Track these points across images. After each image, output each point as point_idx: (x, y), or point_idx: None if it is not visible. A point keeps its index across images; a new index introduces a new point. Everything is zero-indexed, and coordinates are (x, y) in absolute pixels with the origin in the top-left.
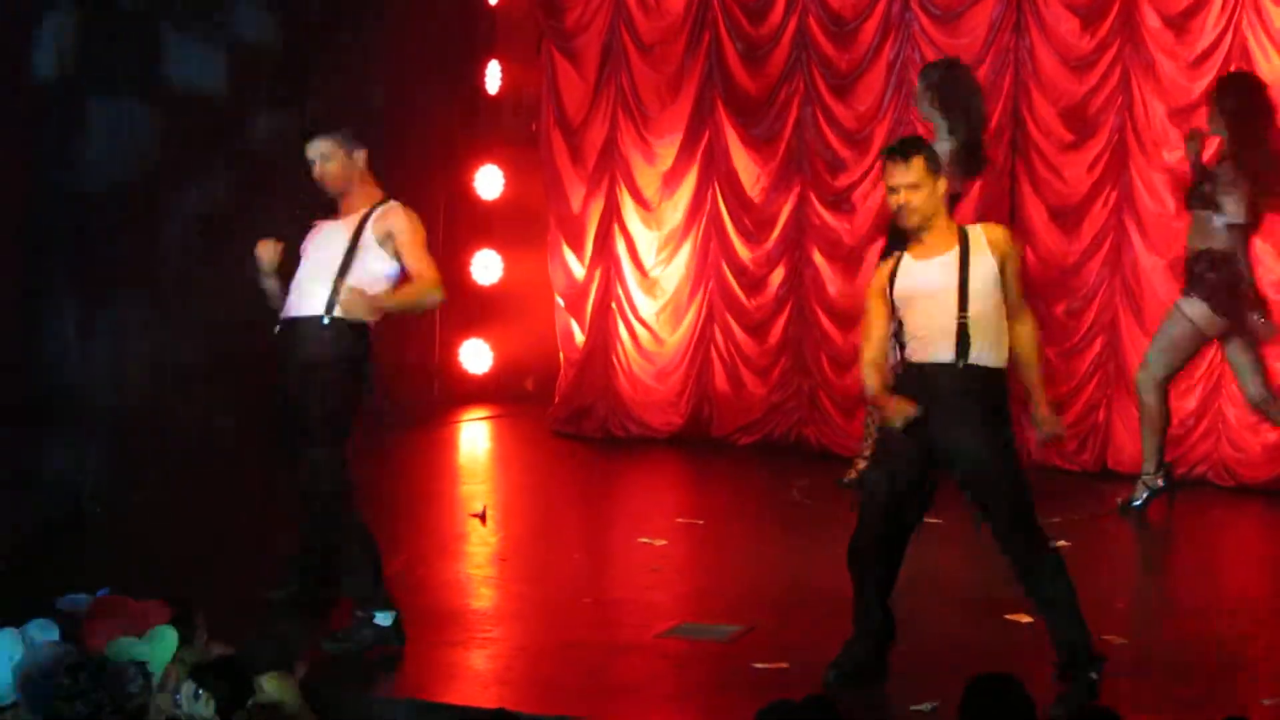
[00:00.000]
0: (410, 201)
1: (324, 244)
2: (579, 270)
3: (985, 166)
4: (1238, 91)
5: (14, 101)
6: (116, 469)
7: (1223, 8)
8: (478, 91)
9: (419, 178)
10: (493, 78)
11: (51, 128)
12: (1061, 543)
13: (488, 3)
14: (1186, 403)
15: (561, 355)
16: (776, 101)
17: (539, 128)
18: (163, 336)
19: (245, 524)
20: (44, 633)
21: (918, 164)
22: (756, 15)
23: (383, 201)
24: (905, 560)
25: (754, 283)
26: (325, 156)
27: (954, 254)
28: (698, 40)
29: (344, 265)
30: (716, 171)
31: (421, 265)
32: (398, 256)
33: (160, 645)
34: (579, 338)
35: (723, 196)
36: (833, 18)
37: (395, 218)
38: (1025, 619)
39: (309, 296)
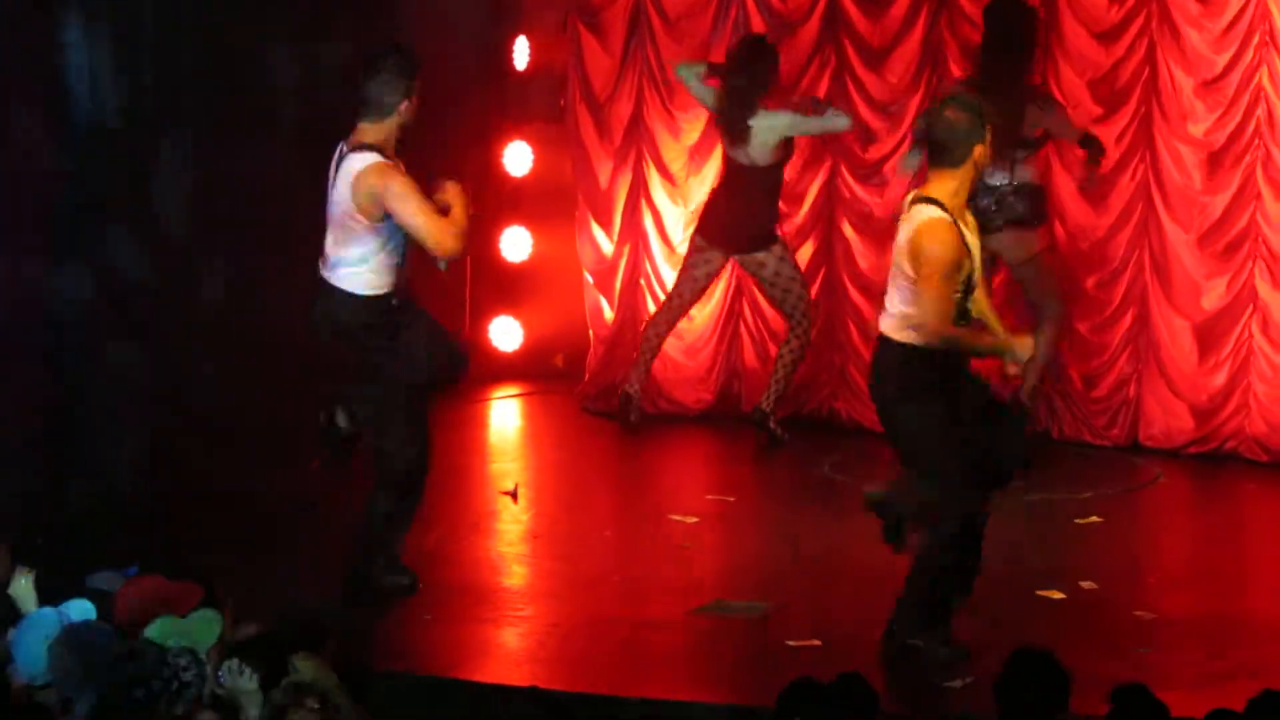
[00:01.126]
0: (438, 179)
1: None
2: (607, 246)
3: None
4: None
5: None
6: (150, 448)
7: None
8: (506, 68)
9: (448, 154)
10: (521, 53)
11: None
12: (1094, 518)
13: None
14: (1216, 378)
15: (591, 332)
16: (807, 74)
17: (566, 103)
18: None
19: (272, 502)
20: (82, 613)
21: None
22: None
23: None
24: None
25: None
26: (414, 95)
27: None
28: (725, 13)
29: None
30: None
31: None
32: None
33: (203, 627)
34: (608, 314)
35: None
36: None
37: None
38: (1057, 594)
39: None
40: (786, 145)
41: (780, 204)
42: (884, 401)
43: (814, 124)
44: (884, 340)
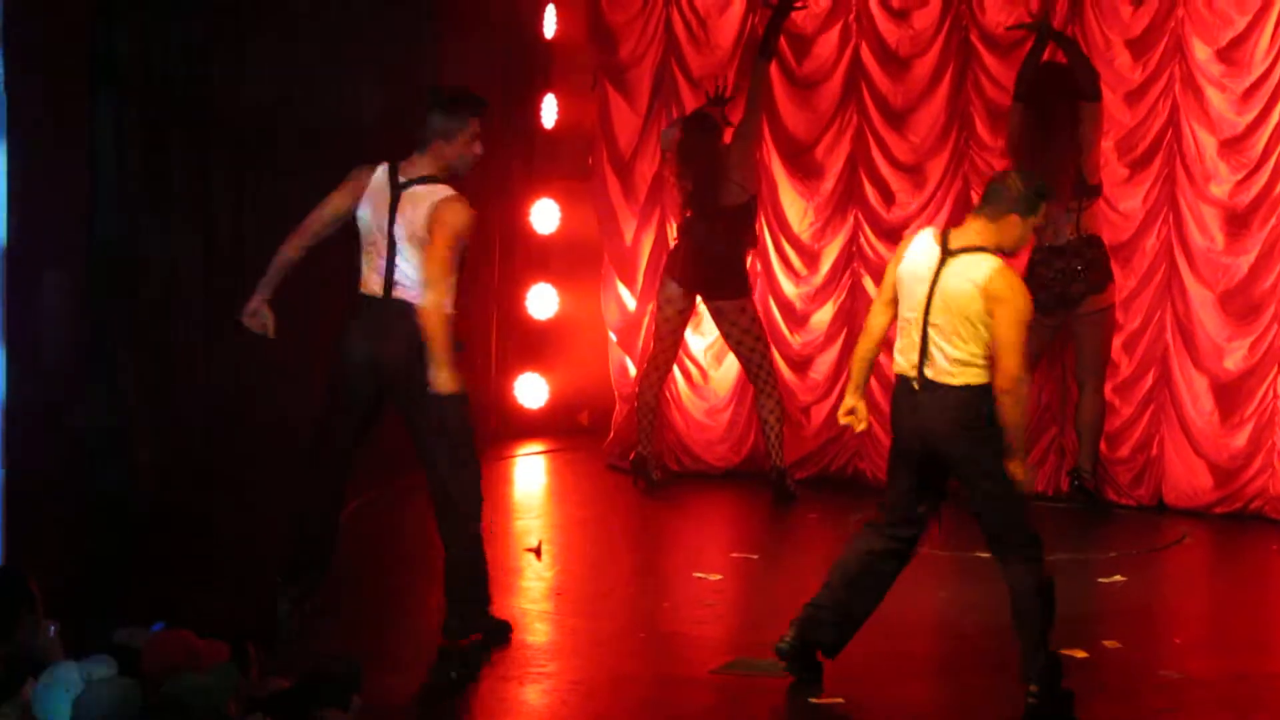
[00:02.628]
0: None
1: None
2: (631, 305)
3: None
4: None
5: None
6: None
7: (1272, 39)
8: (534, 125)
9: (476, 211)
10: (549, 112)
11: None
12: (1117, 577)
13: (544, 37)
14: (1238, 438)
15: (615, 390)
16: (827, 135)
17: (592, 161)
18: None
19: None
20: (104, 668)
21: None
22: (807, 49)
23: None
24: (958, 593)
25: (799, 319)
26: (476, 136)
27: None
28: (745, 74)
29: None
30: (764, 207)
31: None
32: None
33: (220, 681)
34: (632, 372)
35: (769, 231)
36: (888, 52)
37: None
38: (1080, 653)
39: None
40: (752, 181)
41: (801, 264)
42: (953, 443)
43: (756, 104)
44: (937, 386)
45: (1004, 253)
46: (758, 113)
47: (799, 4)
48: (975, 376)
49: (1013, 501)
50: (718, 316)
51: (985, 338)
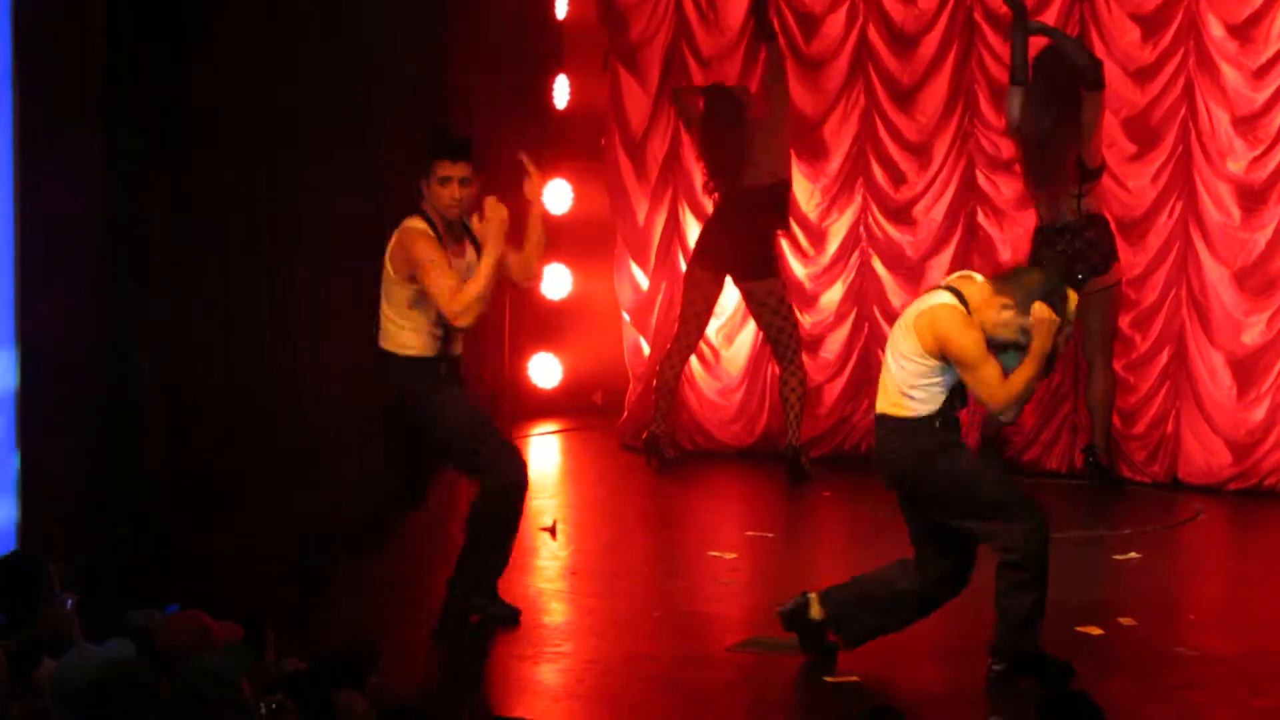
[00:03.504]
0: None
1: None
2: (644, 284)
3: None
4: None
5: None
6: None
7: None
8: (547, 106)
9: (488, 192)
10: (561, 92)
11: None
12: (1132, 554)
13: (556, 17)
14: (1255, 413)
15: (630, 370)
16: (835, 113)
17: (604, 142)
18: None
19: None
20: (123, 651)
21: None
22: (815, 29)
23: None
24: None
25: (809, 299)
26: (466, 180)
27: None
28: (755, 54)
29: None
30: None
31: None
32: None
33: (234, 661)
34: (646, 351)
35: None
36: (895, 30)
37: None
38: (1095, 630)
39: None
40: (781, 165)
41: (809, 244)
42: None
43: (782, 87)
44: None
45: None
46: (782, 98)
47: None
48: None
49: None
50: (748, 299)
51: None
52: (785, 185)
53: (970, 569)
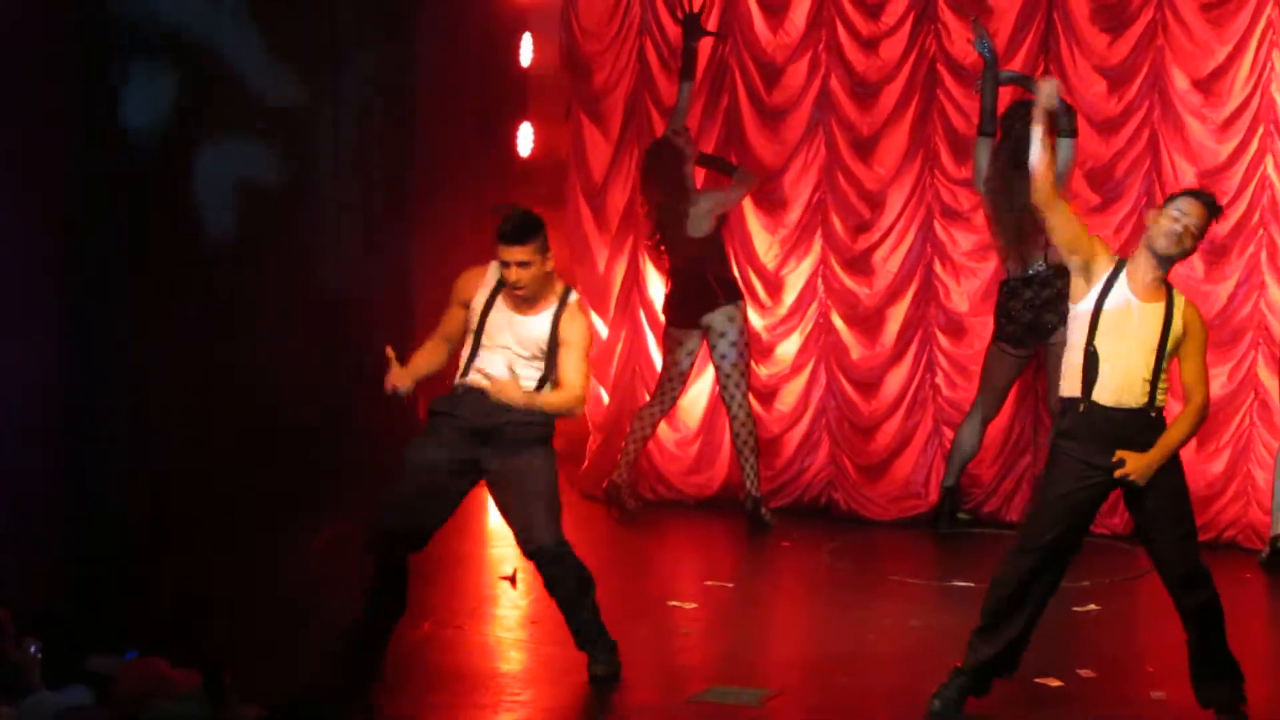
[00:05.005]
0: (444, 263)
1: (516, 330)
2: (604, 332)
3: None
4: None
5: None
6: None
7: (1251, 69)
8: (511, 153)
9: (453, 239)
10: (525, 140)
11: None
12: (1091, 606)
13: (520, 65)
14: (1214, 465)
15: (589, 420)
16: (795, 163)
17: (566, 189)
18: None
19: (277, 576)
20: (79, 698)
21: None
22: (777, 79)
23: (566, 296)
24: (928, 624)
25: (765, 349)
26: (525, 263)
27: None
28: (716, 103)
29: (549, 362)
30: (731, 236)
31: (577, 377)
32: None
33: (192, 709)
34: (605, 400)
35: (736, 261)
36: (856, 79)
37: (576, 324)
38: (1055, 682)
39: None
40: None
41: (766, 294)
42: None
43: (738, 195)
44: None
45: None
46: (739, 194)
47: (710, 30)
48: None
49: None
50: (709, 332)
51: None
52: (709, 237)
53: None
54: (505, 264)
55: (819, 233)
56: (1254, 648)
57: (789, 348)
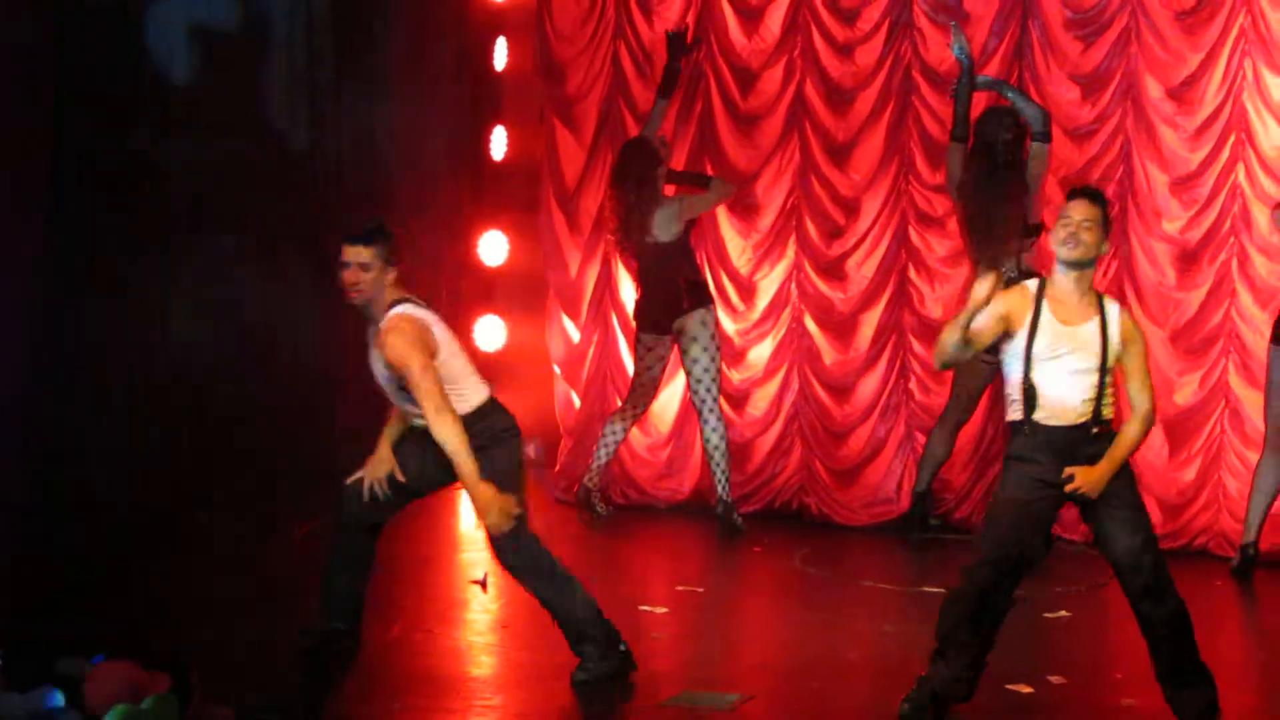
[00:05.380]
0: (415, 268)
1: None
2: (575, 337)
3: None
4: None
5: None
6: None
7: (1223, 78)
8: (483, 158)
9: (424, 243)
10: (498, 144)
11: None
12: (1062, 613)
13: (495, 70)
14: (1185, 473)
15: (560, 424)
16: (769, 169)
17: (539, 194)
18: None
19: (244, 576)
20: (50, 701)
21: None
22: (752, 84)
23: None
24: (900, 630)
25: (737, 354)
26: (365, 265)
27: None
28: (690, 109)
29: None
30: (704, 241)
31: (430, 397)
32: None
33: (161, 711)
34: (576, 404)
35: (709, 266)
36: (831, 85)
37: (398, 346)
38: (1026, 689)
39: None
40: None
41: (740, 299)
42: None
43: (711, 201)
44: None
45: None
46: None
47: (689, 44)
48: None
49: None
50: (680, 336)
51: None
52: (674, 241)
53: None
54: (345, 265)
55: (793, 238)
56: (1227, 656)
57: (761, 352)
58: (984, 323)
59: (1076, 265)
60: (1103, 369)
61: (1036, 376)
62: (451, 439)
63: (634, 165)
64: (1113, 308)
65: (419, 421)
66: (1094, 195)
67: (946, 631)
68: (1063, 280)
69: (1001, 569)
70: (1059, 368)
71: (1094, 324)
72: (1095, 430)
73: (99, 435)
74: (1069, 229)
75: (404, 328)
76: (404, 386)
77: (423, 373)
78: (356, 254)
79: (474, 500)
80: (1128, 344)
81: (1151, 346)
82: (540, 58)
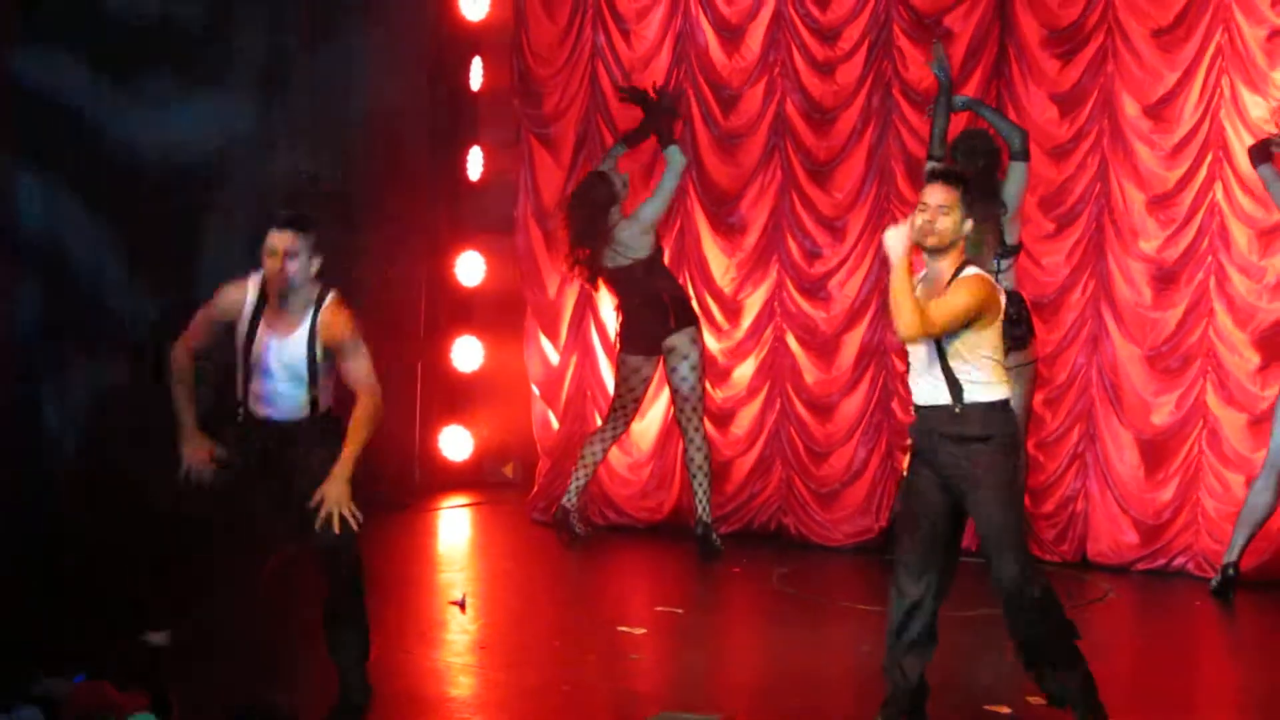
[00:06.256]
0: (391, 288)
1: (281, 353)
2: (554, 358)
3: None
4: None
5: None
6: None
7: (1201, 95)
8: (460, 177)
9: (401, 263)
10: (475, 164)
11: None
12: None
13: (471, 89)
14: (1163, 493)
15: (538, 444)
16: (751, 188)
17: (517, 214)
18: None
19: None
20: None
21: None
22: (734, 104)
23: (321, 298)
24: (877, 650)
25: (721, 373)
26: (292, 254)
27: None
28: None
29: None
30: (687, 260)
31: (365, 377)
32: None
33: None
34: (554, 425)
35: (693, 285)
36: (813, 105)
37: (337, 324)
38: (1004, 709)
39: (288, 400)
40: (649, 238)
41: (724, 318)
42: None
43: (668, 187)
44: None
45: None
46: (664, 198)
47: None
48: None
49: None
50: (669, 355)
51: None
52: (647, 260)
53: None
54: (273, 251)
55: (776, 257)
56: (1208, 675)
57: (745, 371)
58: (959, 312)
59: (934, 252)
60: (942, 350)
61: (911, 359)
62: (378, 410)
63: (589, 196)
64: (961, 276)
65: (291, 404)
66: (950, 177)
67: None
68: (932, 266)
69: (916, 557)
70: (917, 351)
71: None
72: (956, 410)
73: (75, 444)
74: (924, 215)
75: (346, 309)
76: (314, 370)
77: (363, 348)
78: (286, 240)
79: (341, 474)
80: (965, 302)
81: (1128, 366)
82: (517, 78)
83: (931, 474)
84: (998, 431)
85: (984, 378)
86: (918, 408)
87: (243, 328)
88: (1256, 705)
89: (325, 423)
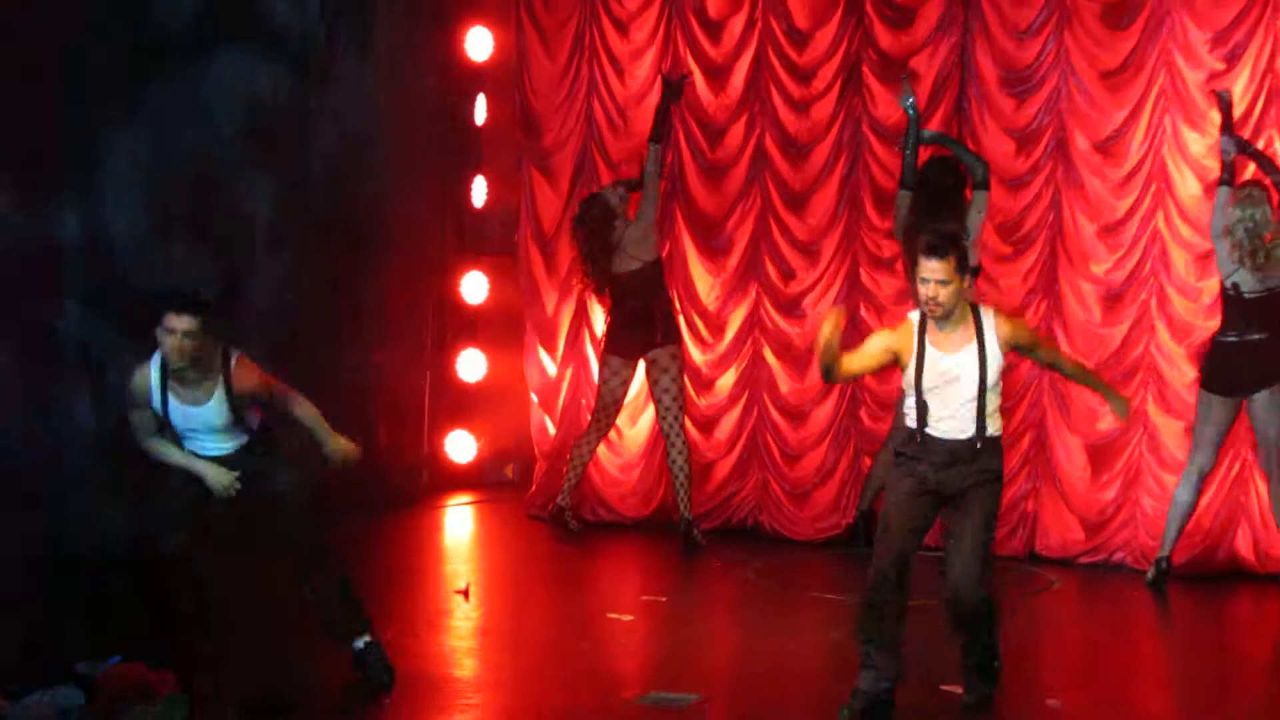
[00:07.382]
0: (402, 305)
1: (198, 419)
2: (551, 369)
3: None
4: None
5: None
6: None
7: (1146, 133)
8: (465, 205)
9: (411, 283)
10: (479, 192)
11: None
12: None
13: (475, 124)
14: (1106, 494)
15: (536, 448)
16: (734, 214)
17: (518, 238)
18: None
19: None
20: (71, 699)
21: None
22: (719, 138)
23: (227, 360)
24: (846, 637)
25: (705, 383)
26: (190, 334)
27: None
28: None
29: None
30: (675, 280)
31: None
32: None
33: (172, 710)
34: (551, 431)
35: (680, 302)
36: (789, 140)
37: (249, 380)
38: (958, 689)
39: (223, 446)
40: (647, 250)
41: (708, 332)
42: None
43: (651, 196)
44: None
45: None
46: (653, 199)
47: (688, 79)
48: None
49: None
50: (651, 366)
51: None
52: (654, 264)
53: None
54: (171, 331)
55: (755, 278)
56: (1145, 659)
57: (726, 381)
58: (872, 355)
59: (942, 320)
60: (982, 391)
61: (928, 397)
62: (314, 411)
63: (586, 216)
64: (987, 318)
65: (220, 449)
66: (941, 249)
67: (869, 629)
68: (943, 324)
69: (901, 557)
70: (946, 391)
71: (971, 348)
72: (979, 445)
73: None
74: (926, 292)
75: (252, 363)
76: (239, 418)
77: (278, 387)
78: (184, 322)
79: (334, 442)
80: (1017, 340)
81: None
82: (519, 113)
83: (915, 484)
84: (1001, 465)
85: (995, 411)
86: (938, 439)
87: (156, 405)
88: (1183, 681)
89: (264, 438)
